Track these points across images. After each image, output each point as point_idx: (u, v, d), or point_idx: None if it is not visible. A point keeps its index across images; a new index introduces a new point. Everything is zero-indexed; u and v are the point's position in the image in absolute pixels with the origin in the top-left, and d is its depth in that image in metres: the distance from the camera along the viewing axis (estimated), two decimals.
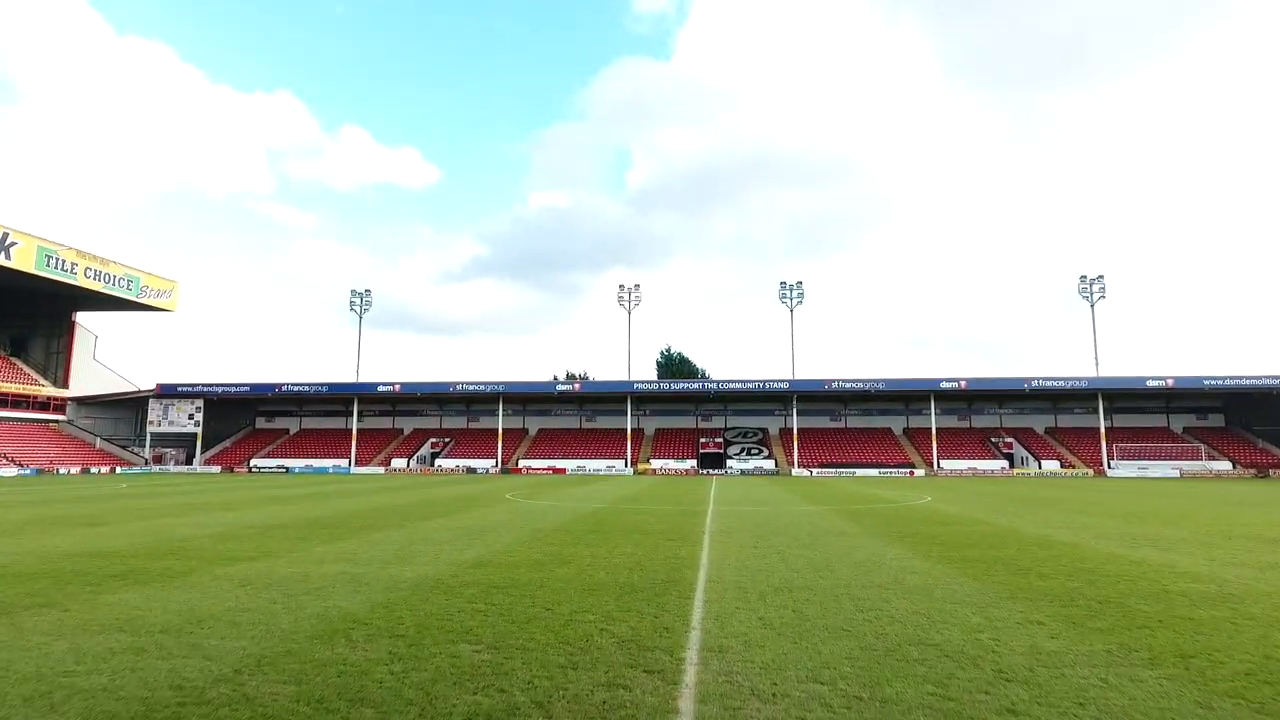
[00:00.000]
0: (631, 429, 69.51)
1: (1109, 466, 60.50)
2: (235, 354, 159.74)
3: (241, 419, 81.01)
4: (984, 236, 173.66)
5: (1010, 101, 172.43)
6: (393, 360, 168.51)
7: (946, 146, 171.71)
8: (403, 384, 67.37)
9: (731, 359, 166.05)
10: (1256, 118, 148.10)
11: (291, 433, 79.20)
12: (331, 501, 26.05)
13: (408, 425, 78.64)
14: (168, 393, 69.60)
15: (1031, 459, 63.67)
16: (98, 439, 69.94)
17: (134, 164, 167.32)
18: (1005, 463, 63.25)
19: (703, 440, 70.51)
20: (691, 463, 64.96)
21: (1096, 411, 66.48)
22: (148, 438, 70.65)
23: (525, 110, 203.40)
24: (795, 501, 25.89)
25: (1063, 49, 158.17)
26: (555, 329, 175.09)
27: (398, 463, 67.12)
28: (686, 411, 75.68)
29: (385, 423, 79.05)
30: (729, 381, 64.89)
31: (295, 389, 68.28)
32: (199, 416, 69.88)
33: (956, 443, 67.45)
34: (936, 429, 64.21)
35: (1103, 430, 61.97)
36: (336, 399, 73.90)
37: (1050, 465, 61.32)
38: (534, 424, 77.21)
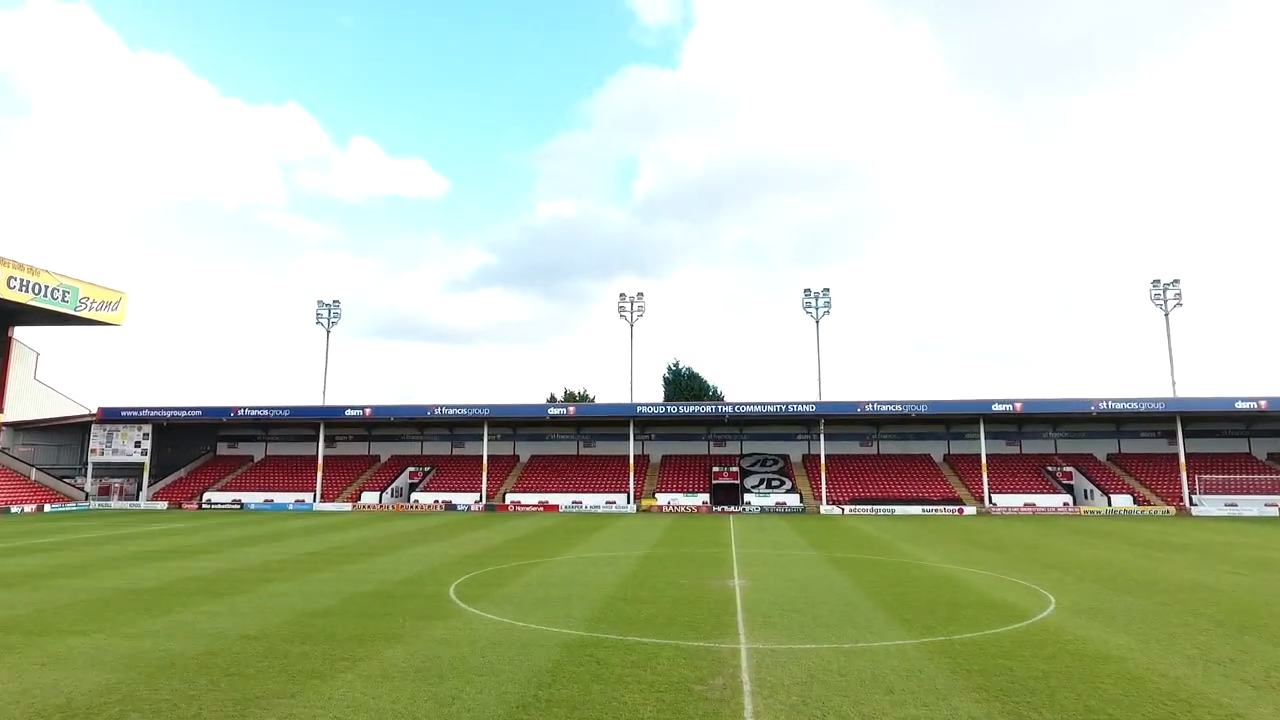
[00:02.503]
0: (635, 455, 62.56)
1: (1191, 502, 53.03)
2: (232, 371, 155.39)
3: (201, 444, 74.55)
4: (996, 241, 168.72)
5: (1019, 105, 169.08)
6: (396, 369, 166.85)
7: (956, 150, 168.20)
8: (374, 407, 60.71)
9: (745, 374, 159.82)
10: None
11: (256, 460, 72.61)
12: (193, 562, 19.07)
13: (385, 451, 71.91)
14: (111, 417, 63.16)
15: (1096, 491, 56.24)
16: (33, 470, 63.50)
17: (147, 177, 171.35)
18: (1066, 496, 55.81)
19: (715, 469, 63.44)
20: (703, 497, 57.86)
21: (1170, 436, 59.23)
22: (89, 468, 64.21)
23: (533, 120, 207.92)
24: (843, 582, 18.97)
25: (1070, 51, 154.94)
26: (562, 339, 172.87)
27: (369, 497, 60.31)
28: (697, 436, 68.63)
29: (360, 448, 72.34)
30: (746, 405, 57.87)
31: (253, 413, 61.71)
32: (146, 444, 63.36)
33: (1007, 472, 60.10)
34: (985, 456, 56.88)
35: (1183, 459, 54.49)
36: (303, 423, 67.31)
37: (1121, 500, 53.87)
38: (526, 450, 70.34)
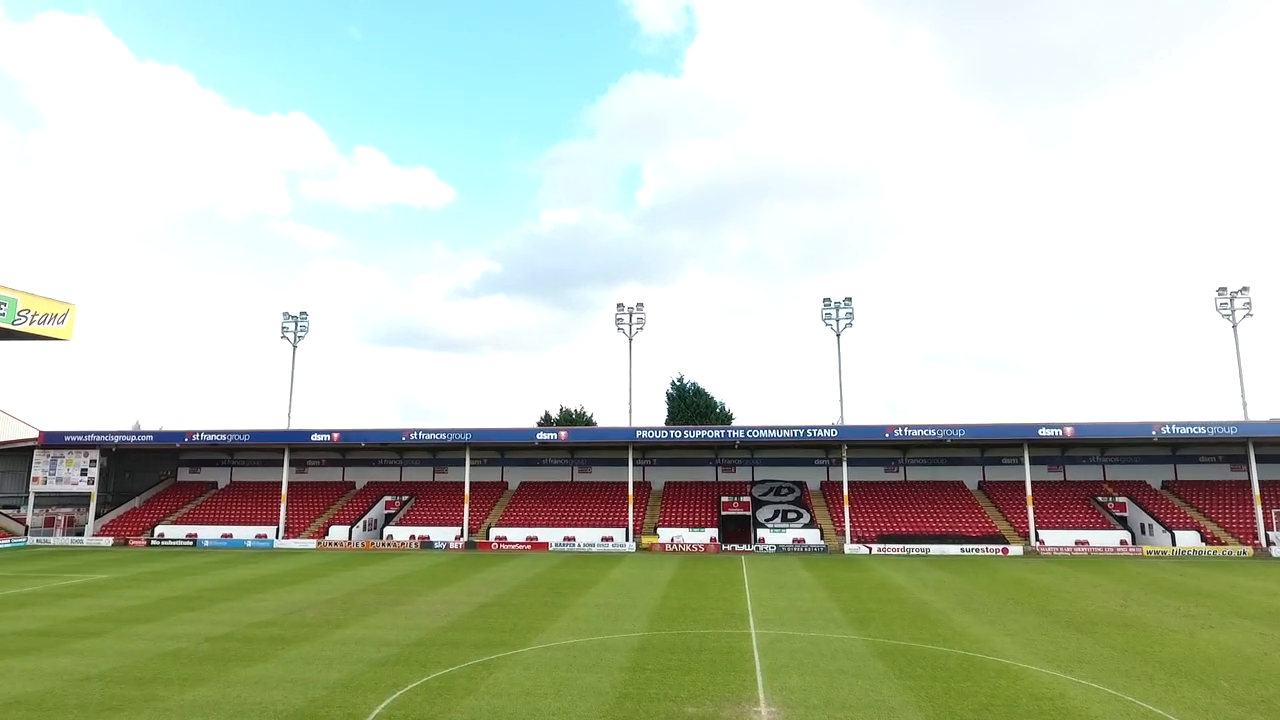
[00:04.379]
0: (635, 481, 57.20)
1: (1268, 542, 47.33)
2: (232, 386, 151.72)
3: (162, 469, 69.33)
4: (1004, 248, 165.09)
5: (1023, 110, 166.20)
6: (401, 377, 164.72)
7: (961, 157, 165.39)
8: (344, 431, 55.43)
9: (752, 388, 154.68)
10: None
11: (220, 486, 67.30)
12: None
13: (361, 477, 66.55)
14: (54, 442, 58.03)
15: (1155, 525, 50.57)
16: None
17: (154, 187, 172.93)
18: (1123, 533, 50.14)
19: (725, 499, 57.94)
20: (711, 533, 52.32)
21: (1235, 461, 53.81)
22: (30, 497, 59.04)
23: (537, 129, 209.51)
24: (914, 715, 13.65)
25: (1074, 56, 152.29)
26: (566, 346, 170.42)
27: (337, 532, 54.89)
28: (704, 460, 63.15)
29: (333, 474, 66.99)
30: (758, 429, 52.40)
31: (210, 438, 56.44)
32: (94, 472, 58.15)
33: (1051, 502, 54.48)
34: (1030, 486, 51.27)
35: (1256, 490, 48.80)
36: (267, 448, 62.06)
37: (1187, 538, 48.18)
38: (515, 476, 64.91)
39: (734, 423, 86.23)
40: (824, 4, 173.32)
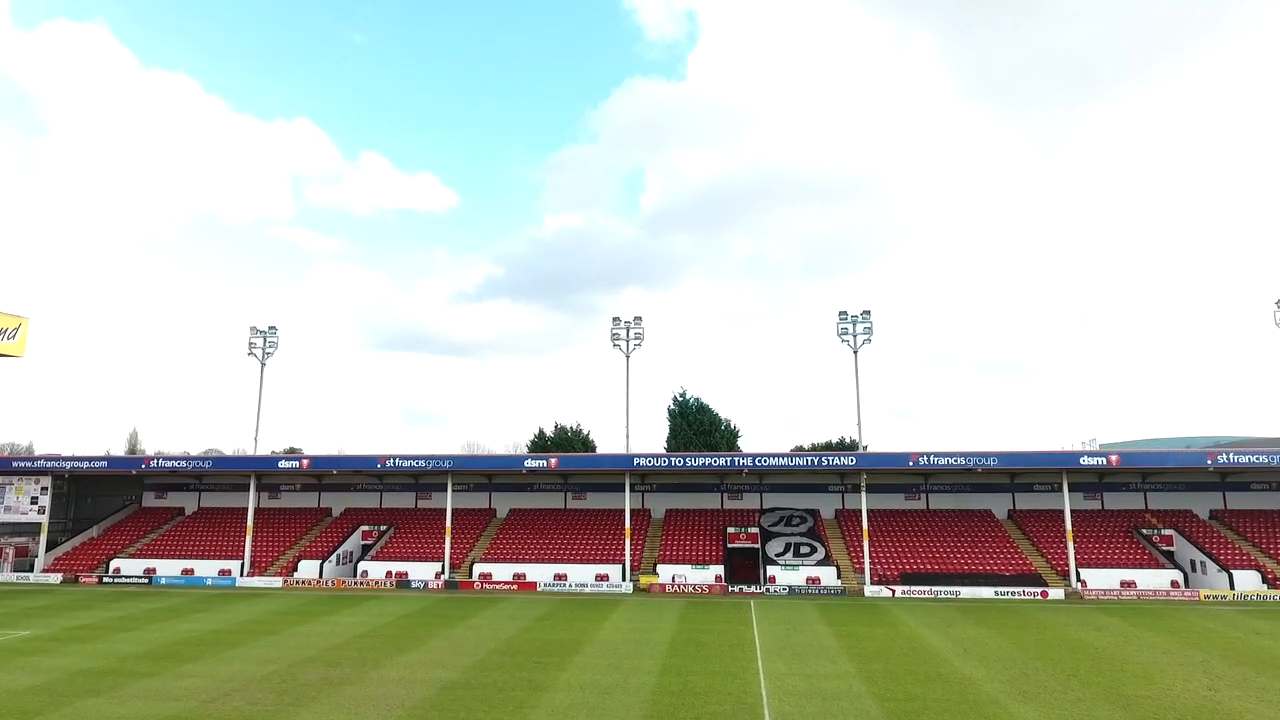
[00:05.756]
0: (634, 509, 53.10)
1: None
2: (234, 395, 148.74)
3: (126, 493, 65.19)
4: (1008, 252, 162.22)
5: (1027, 116, 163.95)
6: (403, 381, 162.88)
7: (964, 161, 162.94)
8: (314, 458, 51.60)
9: (759, 399, 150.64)
10: None
11: (188, 513, 63.16)
12: None
13: (338, 504, 62.35)
14: (2, 468, 53.95)
15: (1208, 563, 46.17)
16: None
17: (161, 193, 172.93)
18: (1173, 572, 45.73)
19: (731, 529, 53.65)
20: (716, 571, 48.05)
21: None
22: None
23: (540, 134, 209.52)
24: None
25: (1076, 61, 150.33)
26: (568, 350, 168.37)
27: (307, 568, 50.67)
28: (708, 486, 58.85)
29: (308, 500, 62.80)
30: (767, 456, 48.19)
31: (170, 464, 52.39)
32: (45, 500, 54.10)
33: (1089, 533, 50.15)
34: (1069, 521, 46.89)
35: None
36: (234, 473, 57.99)
37: (1246, 580, 43.79)
38: (504, 502, 60.71)
39: (740, 441, 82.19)
40: (826, 8, 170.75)
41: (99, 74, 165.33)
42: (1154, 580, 44.67)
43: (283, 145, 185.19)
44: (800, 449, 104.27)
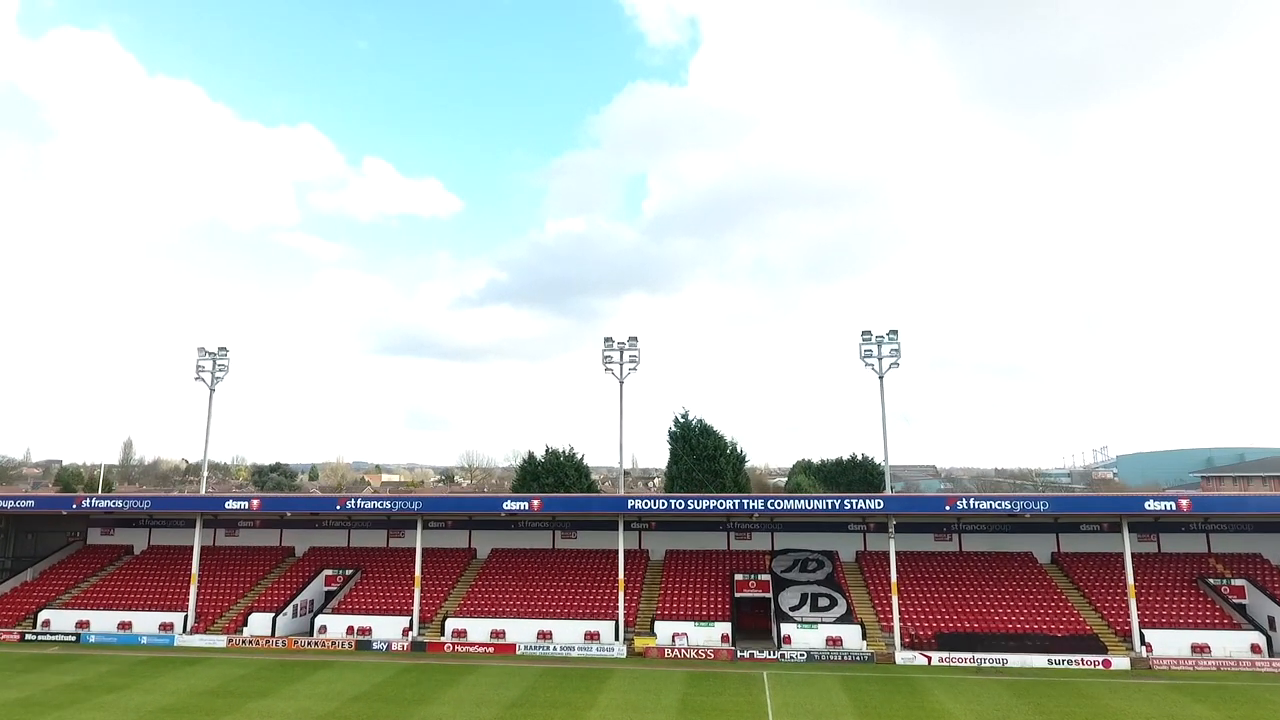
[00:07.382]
0: (628, 550, 47.66)
1: None
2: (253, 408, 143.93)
3: (71, 530, 59.58)
4: (1011, 256, 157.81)
5: (1030, 120, 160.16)
6: (406, 385, 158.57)
7: (967, 165, 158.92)
8: (265, 499, 46.33)
9: (764, 413, 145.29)
10: None
11: (137, 551, 57.57)
12: None
13: (301, 542, 56.70)
14: None
15: None
16: None
17: (165, 199, 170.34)
18: (1254, 635, 39.94)
19: (739, 576, 48.16)
20: (723, 629, 42.41)
21: None
22: None
23: (543, 140, 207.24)
24: None
25: (1081, 66, 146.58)
26: (570, 355, 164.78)
27: (257, 623, 45.06)
28: (713, 524, 53.11)
29: (269, 538, 57.13)
30: (782, 500, 42.69)
31: (104, 504, 46.92)
32: None
33: (1148, 583, 44.48)
34: (1131, 575, 41.19)
35: None
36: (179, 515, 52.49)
37: None
38: (486, 542, 55.08)
39: (747, 465, 76.70)
40: (827, 13, 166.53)
41: (104, 81, 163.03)
42: (1231, 644, 38.93)
43: (287, 152, 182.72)
44: (808, 463, 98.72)
